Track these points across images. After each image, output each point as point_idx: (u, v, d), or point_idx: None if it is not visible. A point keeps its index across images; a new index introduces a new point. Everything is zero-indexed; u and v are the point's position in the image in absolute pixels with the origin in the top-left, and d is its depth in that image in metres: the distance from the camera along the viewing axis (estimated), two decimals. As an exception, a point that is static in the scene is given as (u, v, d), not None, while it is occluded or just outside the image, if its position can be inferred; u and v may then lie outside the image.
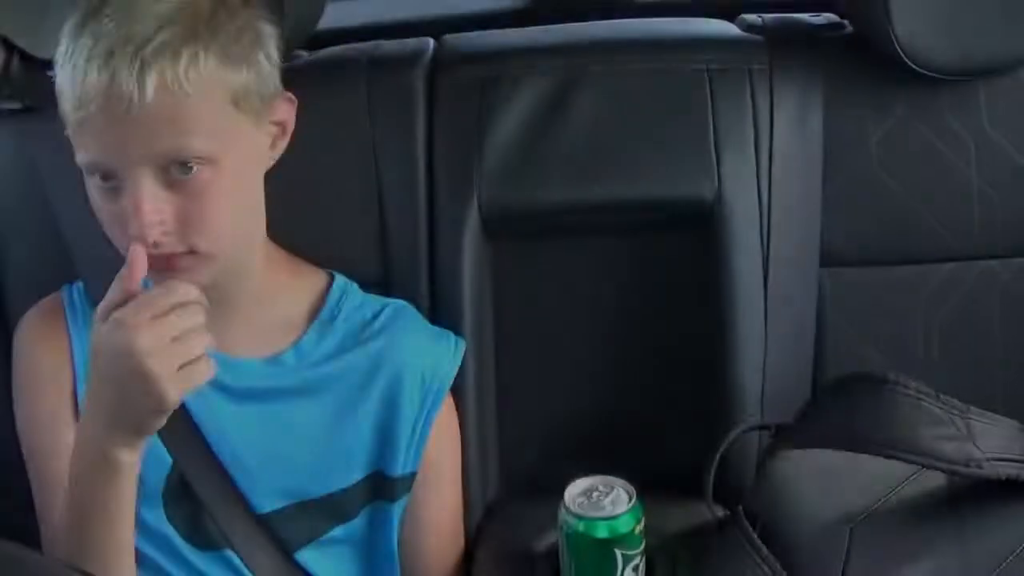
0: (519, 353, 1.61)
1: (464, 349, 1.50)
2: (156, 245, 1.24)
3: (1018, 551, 1.26)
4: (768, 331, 1.54)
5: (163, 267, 1.26)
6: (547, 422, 1.62)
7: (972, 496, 1.30)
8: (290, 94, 1.36)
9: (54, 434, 1.39)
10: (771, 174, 1.56)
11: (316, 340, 1.44)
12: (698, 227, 1.56)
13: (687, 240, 1.57)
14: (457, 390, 1.49)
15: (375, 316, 1.46)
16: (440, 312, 1.54)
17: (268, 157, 1.37)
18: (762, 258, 1.55)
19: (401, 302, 1.50)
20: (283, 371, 1.42)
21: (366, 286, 1.51)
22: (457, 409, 1.51)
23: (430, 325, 1.51)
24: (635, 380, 1.60)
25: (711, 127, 1.56)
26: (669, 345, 1.59)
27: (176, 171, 1.25)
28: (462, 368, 1.49)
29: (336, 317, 1.45)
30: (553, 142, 1.57)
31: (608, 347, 1.61)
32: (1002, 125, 1.58)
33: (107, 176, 1.26)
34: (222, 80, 1.26)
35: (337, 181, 1.55)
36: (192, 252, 1.27)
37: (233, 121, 1.29)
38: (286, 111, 1.37)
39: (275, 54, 1.34)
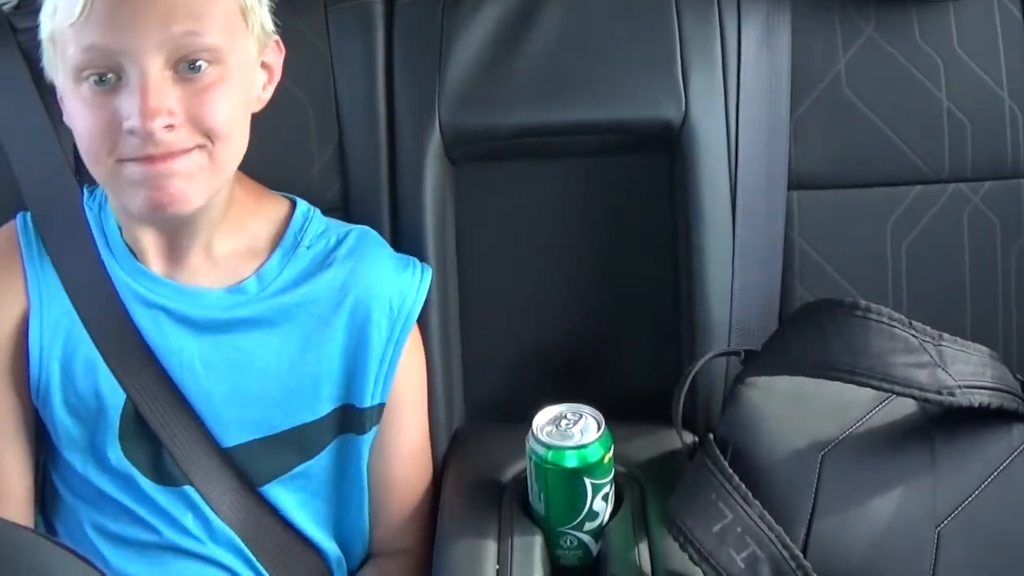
0: (483, 279, 1.60)
1: (430, 276, 1.47)
2: (156, 141, 1.24)
3: (990, 479, 1.27)
4: (736, 255, 1.53)
5: (161, 171, 1.26)
6: (513, 349, 1.61)
7: (944, 424, 1.31)
8: (278, 38, 1.39)
9: None
10: (739, 96, 1.54)
11: (279, 267, 1.41)
12: (665, 150, 1.54)
13: (654, 163, 1.56)
14: (420, 317, 1.46)
15: (339, 242, 1.44)
16: (402, 238, 1.52)
17: (257, 99, 1.37)
18: (730, 181, 1.53)
19: (364, 227, 1.48)
20: (245, 300, 1.40)
21: (327, 212, 1.48)
22: (421, 336, 1.48)
23: (394, 252, 1.48)
24: (602, 306, 1.59)
25: (678, 48, 1.53)
26: (636, 270, 1.58)
27: (184, 68, 1.26)
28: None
29: (299, 244, 1.42)
30: (516, 63, 1.54)
31: (574, 272, 1.59)
32: (972, 46, 1.57)
33: (104, 75, 1.25)
34: None
35: (295, 105, 1.52)
36: (198, 147, 1.27)
37: (240, 31, 1.32)
38: (275, 56, 1.40)
39: None
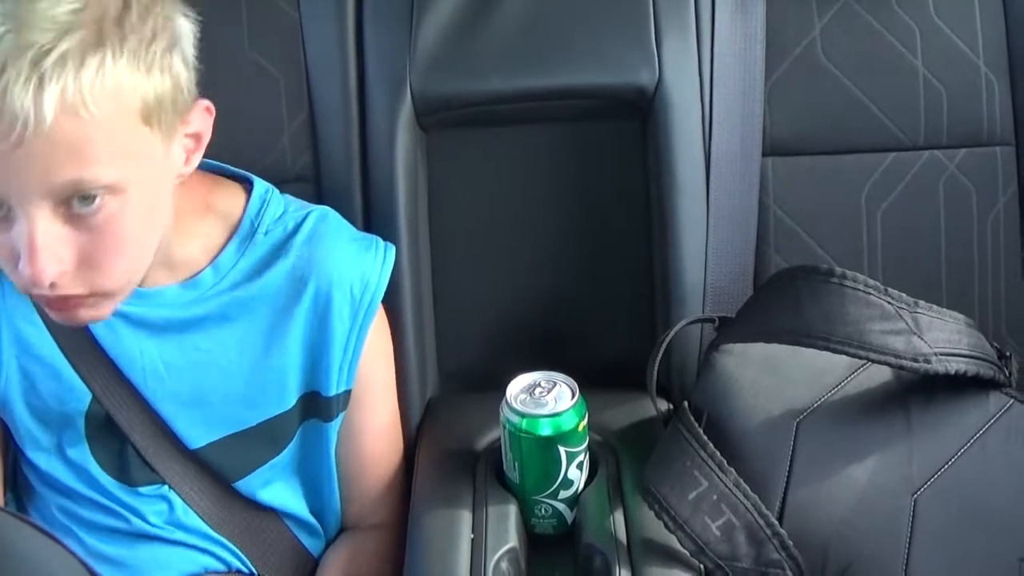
0: (455, 246, 1.58)
1: (394, 255, 1.42)
2: (52, 287, 1.14)
3: (966, 447, 1.27)
4: (710, 222, 1.52)
5: (61, 308, 1.18)
6: (486, 317, 1.60)
7: (920, 391, 1.31)
8: (207, 102, 1.24)
9: None
10: (713, 61, 1.53)
11: (235, 256, 1.34)
12: (638, 116, 1.53)
13: (628, 129, 1.54)
14: (392, 287, 1.43)
15: (297, 228, 1.37)
16: (373, 208, 1.51)
17: (178, 175, 1.24)
18: (704, 147, 1.53)
19: (323, 209, 1.41)
20: (202, 294, 1.33)
21: (296, 182, 1.47)
22: (394, 308, 1.46)
23: (356, 232, 1.43)
24: (576, 273, 1.58)
25: (651, 12, 1.52)
26: (610, 237, 1.57)
27: (77, 204, 1.12)
28: (397, 264, 1.43)
29: (256, 230, 1.35)
30: (488, 29, 1.52)
31: (547, 240, 1.58)
32: (949, 14, 1.56)
33: None
34: (132, 93, 1.12)
35: (263, 73, 1.50)
36: (92, 295, 1.18)
37: (143, 142, 1.15)
38: (202, 121, 1.24)
39: (191, 54, 1.20)
